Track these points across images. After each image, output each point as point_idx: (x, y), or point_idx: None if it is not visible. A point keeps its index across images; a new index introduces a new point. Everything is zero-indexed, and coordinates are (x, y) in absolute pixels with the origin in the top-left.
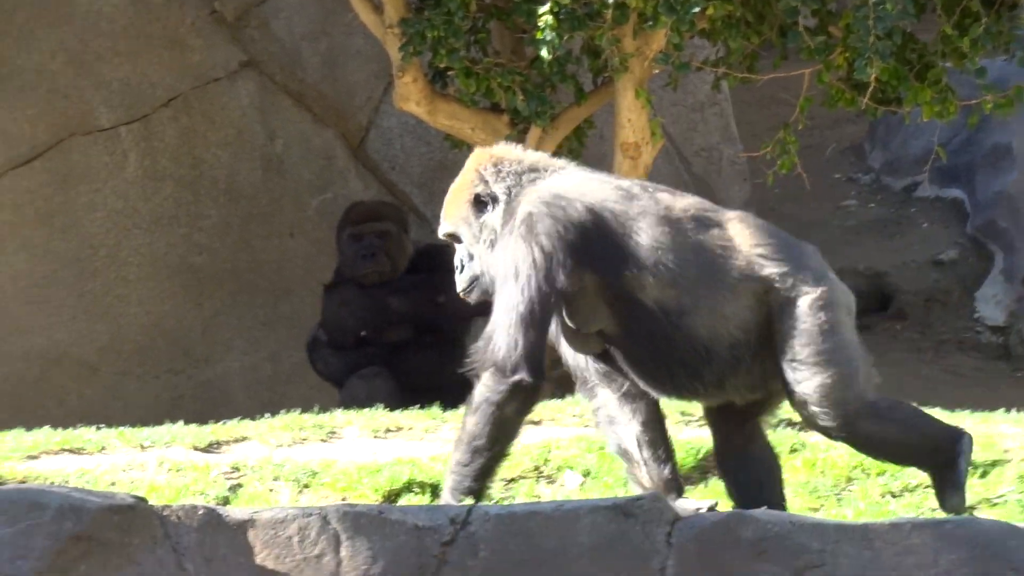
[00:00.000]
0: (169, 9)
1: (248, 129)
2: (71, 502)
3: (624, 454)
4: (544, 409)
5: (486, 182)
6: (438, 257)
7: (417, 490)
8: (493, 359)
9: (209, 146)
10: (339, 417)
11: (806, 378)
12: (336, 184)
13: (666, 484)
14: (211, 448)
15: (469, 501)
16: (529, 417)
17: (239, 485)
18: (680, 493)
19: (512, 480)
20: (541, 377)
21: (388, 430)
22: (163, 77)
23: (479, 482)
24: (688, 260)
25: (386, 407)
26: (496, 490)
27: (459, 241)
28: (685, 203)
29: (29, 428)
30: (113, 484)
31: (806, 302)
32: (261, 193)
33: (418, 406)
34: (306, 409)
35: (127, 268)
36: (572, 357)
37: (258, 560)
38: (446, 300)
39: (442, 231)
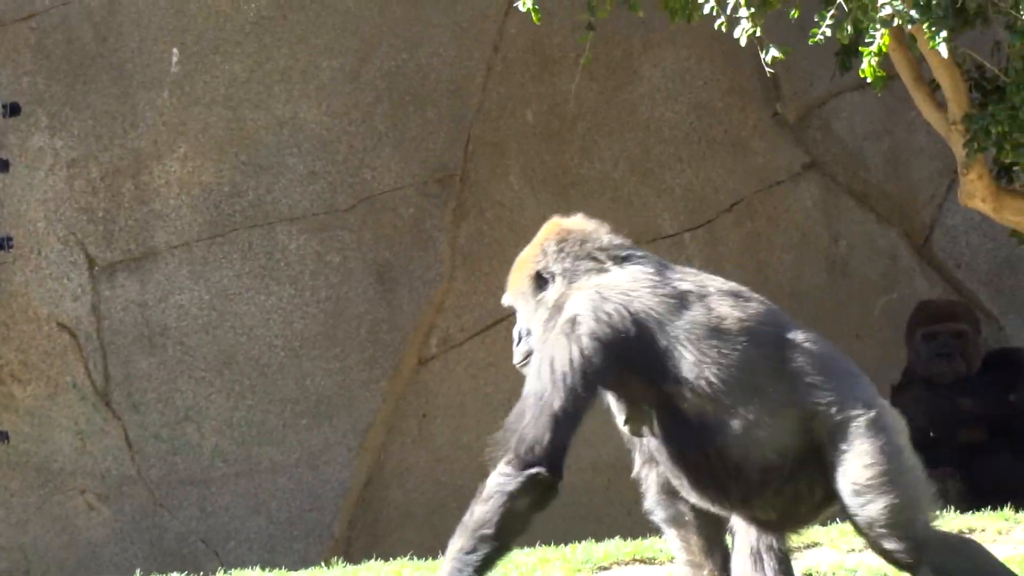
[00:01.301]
0: (730, 113)
1: (812, 231)
2: None
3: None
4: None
5: (547, 259)
6: (1009, 357)
7: None
8: (516, 449)
9: (773, 249)
10: None
11: (871, 500)
12: (901, 283)
13: None
14: None
15: None
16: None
17: None
18: None
19: None
20: (559, 475)
21: (960, 531)
22: (726, 182)
23: (479, 573)
24: (732, 378)
25: (956, 509)
26: None
27: (518, 312)
28: (744, 314)
29: (599, 539)
30: None
31: (862, 424)
32: (826, 295)
33: (989, 507)
34: None
35: None
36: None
37: None
38: (1018, 400)
39: (504, 301)
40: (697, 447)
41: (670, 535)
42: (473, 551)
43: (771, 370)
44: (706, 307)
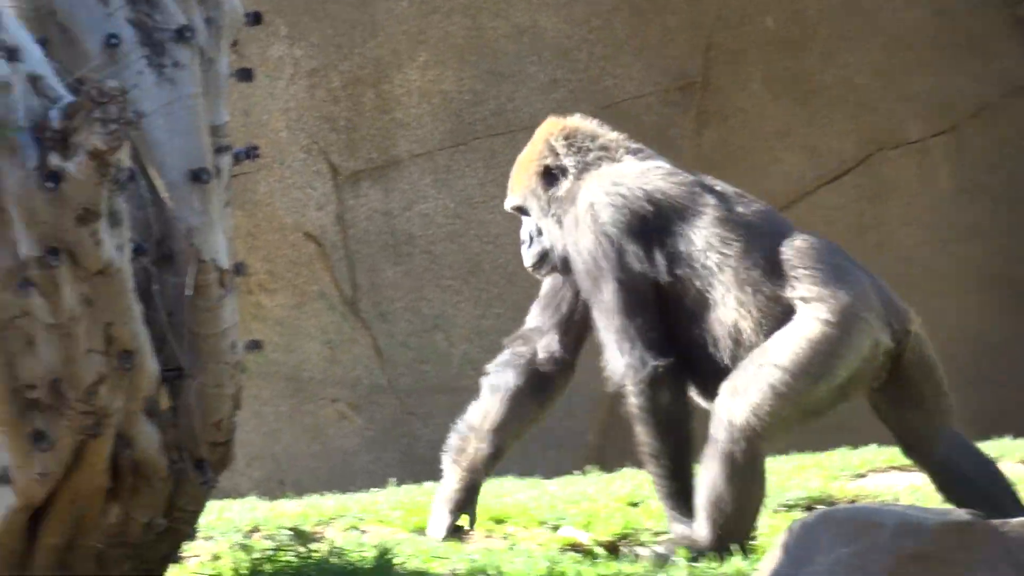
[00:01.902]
0: (973, 17)
1: None
2: (908, 520)
3: None
4: None
5: (556, 154)
6: None
7: None
8: (622, 370)
9: (1022, 156)
10: None
11: (751, 379)
12: None
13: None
14: None
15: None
16: None
17: None
18: None
19: None
20: (667, 358)
21: None
22: (970, 87)
23: (682, 480)
24: (730, 267)
25: None
26: None
27: (526, 214)
28: (748, 210)
29: (854, 447)
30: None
31: (807, 312)
32: None
33: None
34: None
35: (943, 281)
36: None
37: None
38: None
39: (508, 204)
40: (697, 332)
41: None
42: (661, 468)
43: (766, 263)
44: (713, 199)
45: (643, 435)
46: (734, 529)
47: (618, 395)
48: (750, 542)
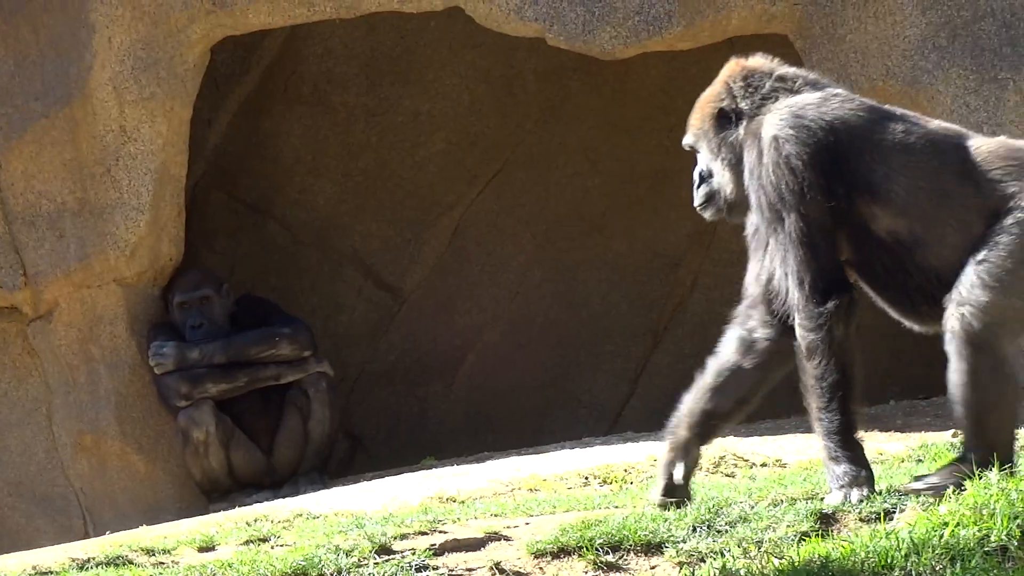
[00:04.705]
0: None
1: None
2: None
3: None
4: None
5: (733, 97)
6: None
7: None
8: (799, 299)
9: None
10: None
11: (975, 285)
12: None
13: None
14: None
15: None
16: None
17: None
18: None
19: None
20: (849, 287)
21: None
22: None
23: (847, 415)
24: (920, 188)
25: None
26: None
27: (699, 154)
28: (926, 129)
29: None
30: None
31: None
32: None
33: None
34: None
35: None
36: None
37: None
38: None
39: (684, 142)
40: (899, 266)
41: None
42: (831, 401)
43: (958, 177)
44: (892, 123)
45: (813, 369)
46: (996, 440)
47: (791, 323)
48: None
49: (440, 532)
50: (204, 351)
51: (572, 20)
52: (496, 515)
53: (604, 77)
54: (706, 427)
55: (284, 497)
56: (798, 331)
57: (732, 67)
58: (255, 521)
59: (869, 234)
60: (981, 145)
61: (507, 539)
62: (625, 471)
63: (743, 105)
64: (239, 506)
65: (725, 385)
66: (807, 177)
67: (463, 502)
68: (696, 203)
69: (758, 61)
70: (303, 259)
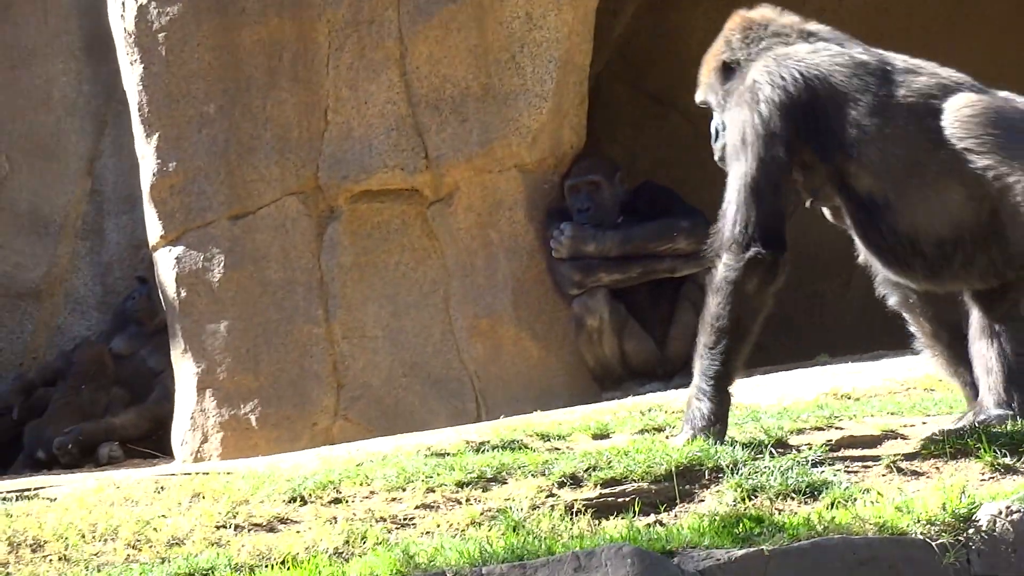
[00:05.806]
0: None
1: None
2: None
3: None
4: None
5: (732, 49)
6: None
7: None
8: (731, 234)
9: None
10: None
11: None
12: None
13: None
14: None
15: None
16: None
17: None
18: None
19: None
20: (780, 249)
21: None
22: None
23: (726, 366)
24: (895, 155)
25: None
26: None
27: (711, 109)
28: (908, 90)
29: None
30: None
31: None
32: None
33: None
34: None
35: None
36: None
37: None
38: None
39: (696, 98)
40: (872, 226)
41: (906, 318)
42: (715, 345)
43: (930, 142)
44: (877, 82)
45: (713, 306)
46: None
47: (711, 253)
48: None
49: (836, 428)
50: (600, 244)
51: None
52: (892, 413)
53: None
54: None
55: (676, 388)
56: (717, 266)
57: (733, 20)
58: (649, 411)
59: (852, 190)
60: (966, 107)
61: (904, 438)
62: None
63: (740, 56)
64: (632, 395)
65: None
66: (773, 126)
67: (858, 399)
68: (716, 156)
69: (759, 13)
70: (704, 152)
